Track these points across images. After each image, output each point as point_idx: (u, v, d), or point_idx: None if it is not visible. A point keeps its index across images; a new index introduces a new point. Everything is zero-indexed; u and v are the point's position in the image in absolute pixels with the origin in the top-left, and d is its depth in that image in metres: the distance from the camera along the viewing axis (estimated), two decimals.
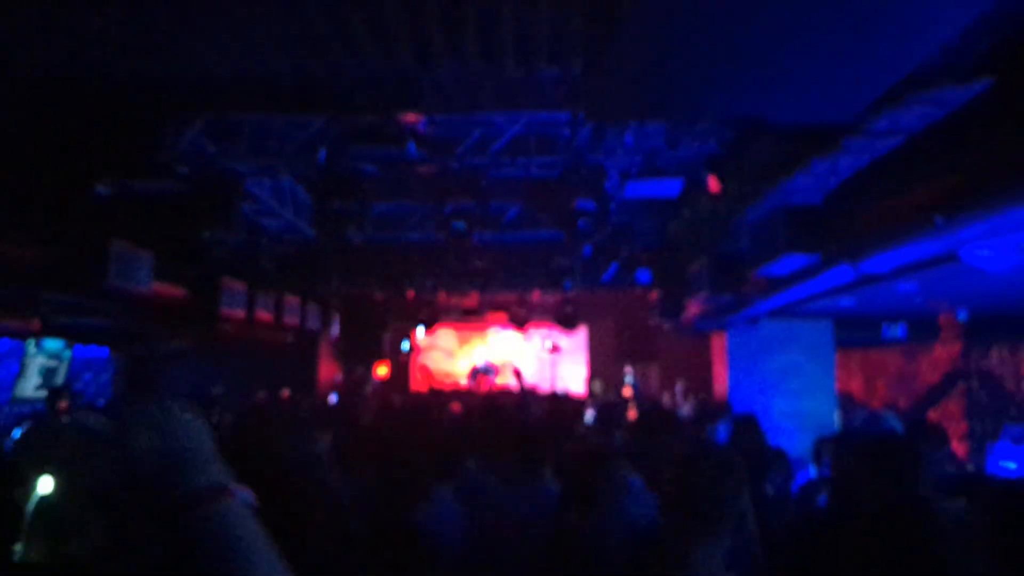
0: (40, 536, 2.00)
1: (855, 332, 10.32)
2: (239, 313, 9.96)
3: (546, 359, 17.88)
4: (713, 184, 6.85)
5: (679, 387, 11.47)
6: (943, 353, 10.65)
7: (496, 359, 18.24)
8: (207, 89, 5.12)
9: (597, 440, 5.83)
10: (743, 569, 2.41)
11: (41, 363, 10.97)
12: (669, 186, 6.74)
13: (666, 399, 11.28)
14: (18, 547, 2.25)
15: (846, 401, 10.50)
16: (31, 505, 2.50)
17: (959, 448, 10.12)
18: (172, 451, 1.27)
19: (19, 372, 10.55)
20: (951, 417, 10.36)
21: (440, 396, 12.66)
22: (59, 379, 11.16)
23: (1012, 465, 8.34)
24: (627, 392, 13.67)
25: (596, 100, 3.35)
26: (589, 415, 8.52)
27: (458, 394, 14.19)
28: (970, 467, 9.53)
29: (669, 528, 2.33)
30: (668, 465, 2.40)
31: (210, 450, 1.32)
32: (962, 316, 9.53)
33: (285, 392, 12.23)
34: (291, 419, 6.85)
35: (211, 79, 4.88)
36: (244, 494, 1.29)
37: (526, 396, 10.43)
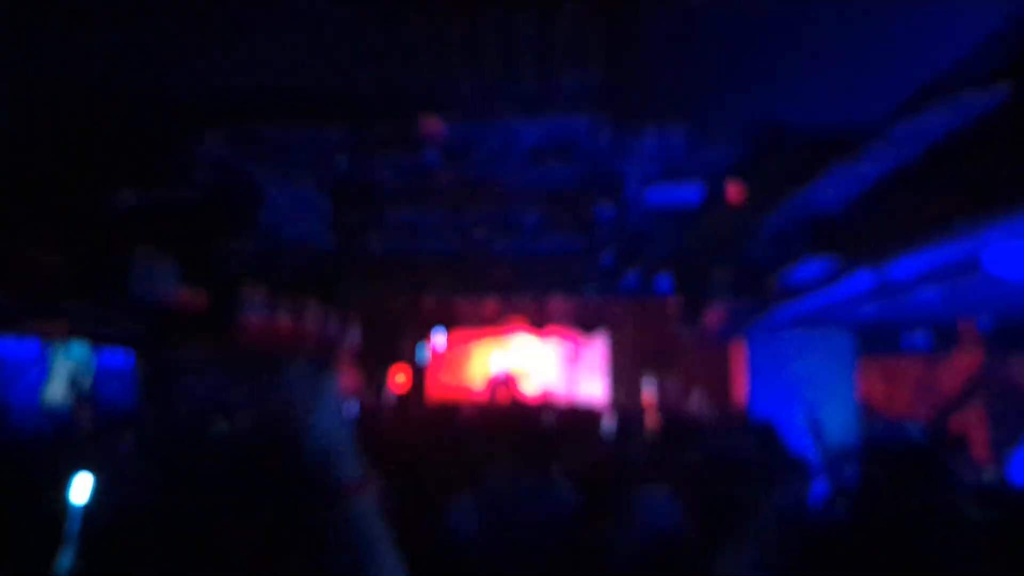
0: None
1: (876, 341, 10.24)
2: (258, 321, 10.03)
3: (564, 367, 17.84)
4: (734, 192, 6.82)
5: (698, 397, 11.42)
6: (964, 362, 10.54)
7: (514, 368, 18.23)
8: (227, 101, 5.15)
9: (615, 449, 5.81)
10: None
11: (65, 369, 11.08)
12: (689, 193, 6.72)
13: (691, 407, 11.23)
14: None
15: (866, 411, 10.40)
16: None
17: (980, 457, 10.00)
18: (334, 443, 1.33)
19: (45, 378, 10.66)
20: (972, 426, 10.24)
21: (456, 406, 12.67)
22: (85, 386, 11.27)
23: None
24: (648, 400, 13.63)
25: (615, 104, 3.35)
26: (608, 424, 8.48)
27: (474, 404, 14.21)
28: (989, 474, 9.41)
29: (693, 534, 2.32)
30: (692, 472, 2.39)
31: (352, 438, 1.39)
32: (983, 325, 9.42)
33: None
34: None
35: (231, 92, 4.91)
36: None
37: (518, 403, 10.43)
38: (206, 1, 3.62)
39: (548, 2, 3.69)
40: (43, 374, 10.76)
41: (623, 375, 16.73)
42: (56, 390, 10.80)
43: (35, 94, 5.07)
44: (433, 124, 5.43)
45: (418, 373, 17.84)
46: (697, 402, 11.35)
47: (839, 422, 9.43)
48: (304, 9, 3.65)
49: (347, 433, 1.38)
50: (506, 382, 16.58)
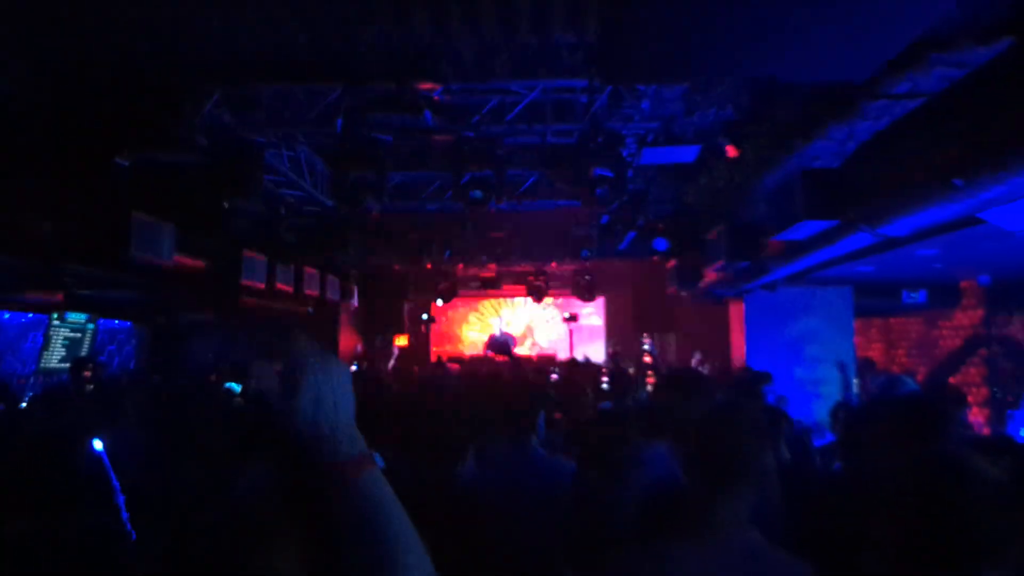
0: None
1: (875, 299, 10.28)
2: (259, 284, 10.06)
3: (564, 329, 17.94)
4: (730, 150, 6.82)
5: (696, 356, 11.51)
6: (964, 319, 10.59)
7: (514, 329, 18.35)
8: (224, 61, 5.15)
9: (613, 407, 5.88)
10: (766, 527, 2.44)
11: (65, 335, 11.13)
12: (686, 152, 6.72)
13: (693, 364, 11.31)
14: None
15: (866, 366, 10.48)
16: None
17: (979, 414, 10.10)
18: (333, 419, 1.29)
19: (43, 344, 10.71)
20: (972, 383, 10.32)
21: (456, 368, 12.77)
22: (83, 350, 11.33)
23: None
24: (647, 359, 13.73)
25: (611, 63, 3.34)
26: (606, 383, 8.58)
27: (475, 363, 14.31)
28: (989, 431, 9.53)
29: (692, 485, 2.36)
30: (691, 423, 2.43)
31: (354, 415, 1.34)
32: (984, 281, 9.46)
33: None
34: None
35: (228, 51, 4.90)
36: (378, 460, 1.33)
37: (518, 363, 10.51)
38: None
39: None
40: (39, 339, 10.81)
41: (622, 336, 16.84)
42: (54, 356, 10.87)
43: (36, 57, 5.06)
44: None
45: (420, 336, 17.95)
46: (695, 360, 11.43)
47: (837, 379, 9.51)
48: None
49: (350, 409, 1.34)
50: (505, 344, 16.68)
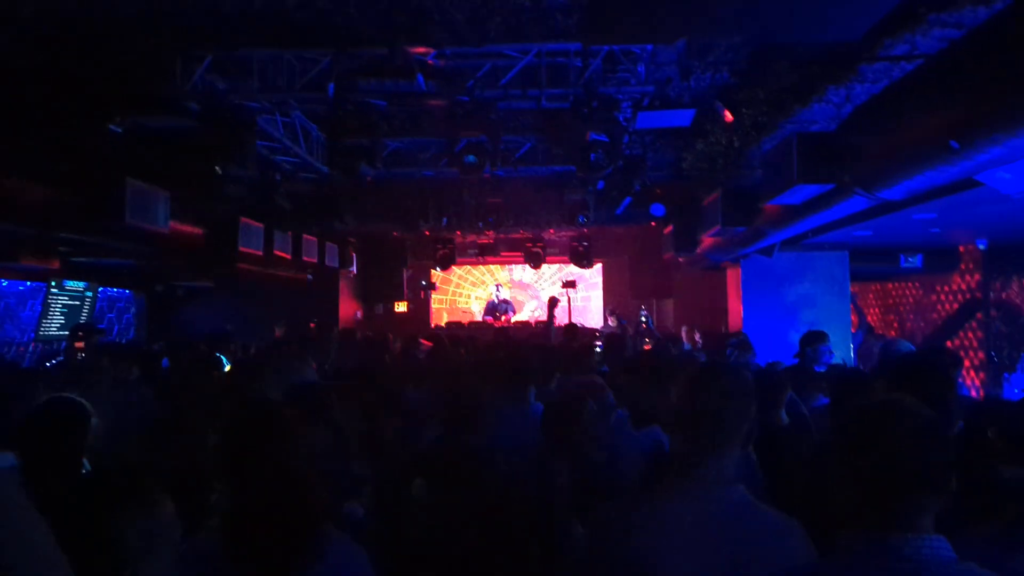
0: None
1: (872, 264, 10.28)
2: (257, 251, 10.07)
3: (560, 295, 17.98)
4: (726, 114, 6.78)
5: (685, 329, 11.56)
6: (961, 284, 10.60)
7: (511, 296, 18.38)
8: (213, 24, 5.09)
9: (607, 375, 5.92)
10: (751, 487, 2.47)
11: (63, 303, 11.14)
12: (682, 116, 6.68)
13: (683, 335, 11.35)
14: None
15: (864, 330, 10.52)
16: None
17: (976, 378, 10.16)
18: None
19: (42, 312, 10.73)
20: (968, 347, 10.36)
21: (458, 331, 12.82)
22: (82, 318, 11.35)
23: None
24: (642, 326, 13.77)
25: (606, 22, 3.31)
26: (601, 349, 8.61)
27: (475, 328, 14.36)
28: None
29: (681, 443, 2.39)
30: (678, 383, 2.45)
31: None
32: (981, 245, 9.45)
33: (312, 324, 12.37)
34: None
35: (217, 14, 4.85)
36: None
37: (549, 325, 10.55)
38: None
39: None
40: (38, 307, 10.82)
41: (619, 302, 16.86)
42: (53, 324, 10.89)
43: (22, 21, 5.01)
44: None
45: (419, 302, 17.98)
46: (684, 334, 11.47)
47: (834, 343, 9.55)
48: None
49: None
50: (503, 310, 16.72)
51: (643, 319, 13.59)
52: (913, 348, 5.98)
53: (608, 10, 2.98)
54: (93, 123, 6.24)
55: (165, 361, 6.91)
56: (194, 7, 4.72)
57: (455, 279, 19.16)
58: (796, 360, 6.21)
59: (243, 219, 9.57)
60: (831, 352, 6.33)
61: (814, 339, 6.17)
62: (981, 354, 10.09)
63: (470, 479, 2.74)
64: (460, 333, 11.35)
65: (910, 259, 10.02)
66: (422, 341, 7.85)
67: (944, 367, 3.35)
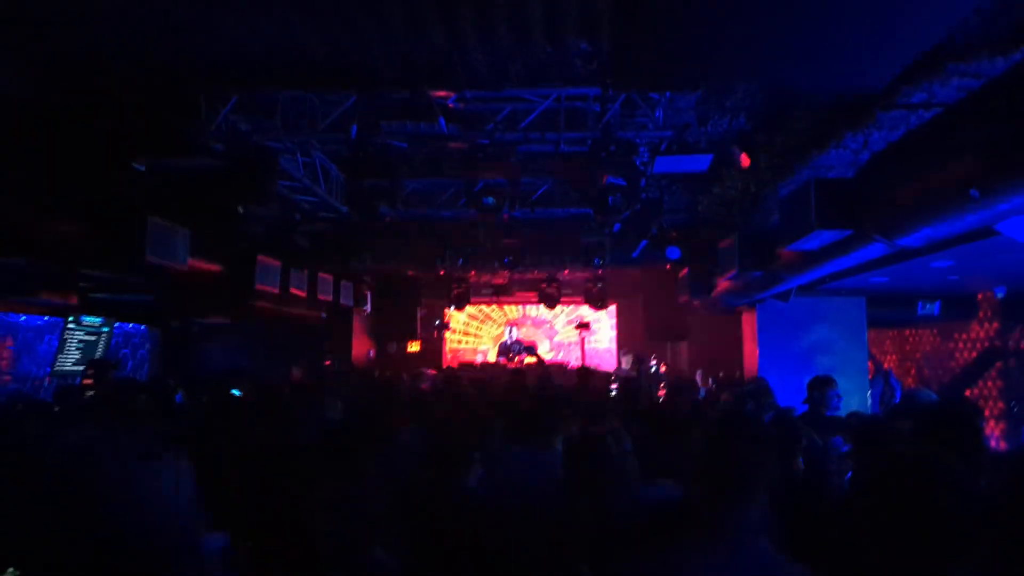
0: None
1: (889, 310, 10.22)
2: (273, 289, 10.12)
3: (575, 336, 17.96)
4: (744, 159, 6.81)
5: (699, 373, 11.50)
6: (980, 332, 10.50)
7: (525, 337, 18.36)
8: (242, 67, 5.19)
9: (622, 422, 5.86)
10: (774, 537, 2.43)
11: (80, 338, 11.21)
12: (699, 161, 6.71)
13: (698, 376, 11.30)
14: None
15: (882, 377, 10.41)
16: None
17: (995, 428, 10.01)
18: None
19: (58, 347, 10.79)
20: (987, 397, 10.23)
21: (471, 372, 12.79)
22: (98, 353, 11.41)
23: None
24: (656, 369, 13.70)
25: (626, 69, 3.36)
26: (614, 393, 8.57)
27: (487, 369, 14.32)
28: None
29: (700, 492, 2.36)
30: (698, 432, 2.43)
31: None
32: (1000, 293, 9.38)
33: (327, 361, 12.42)
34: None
35: (245, 57, 4.95)
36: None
37: (547, 370, 10.51)
38: None
39: None
40: (54, 342, 10.89)
41: (632, 344, 16.80)
42: (69, 359, 10.95)
43: (51, 60, 5.12)
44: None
45: (433, 342, 17.97)
46: (699, 378, 11.41)
47: (851, 390, 9.46)
48: None
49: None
50: (517, 351, 16.67)
51: (652, 368, 13.53)
52: (935, 398, 5.92)
53: (631, 58, 3.02)
54: (117, 161, 6.35)
55: (179, 396, 6.91)
56: (223, 49, 4.81)
57: (465, 317, 19.16)
58: (806, 406, 6.15)
59: (260, 256, 9.63)
60: (839, 396, 6.26)
61: (822, 384, 6.11)
62: (1001, 403, 9.96)
63: (455, 521, 2.71)
64: (473, 375, 11.33)
65: (928, 306, 9.95)
66: (425, 371, 7.84)
67: (973, 419, 3.30)
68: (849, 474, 4.25)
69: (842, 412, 6.24)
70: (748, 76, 4.24)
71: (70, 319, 10.76)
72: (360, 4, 4.12)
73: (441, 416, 4.55)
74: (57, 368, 10.81)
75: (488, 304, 18.48)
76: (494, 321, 19.22)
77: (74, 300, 8.63)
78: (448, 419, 4.24)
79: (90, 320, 11.16)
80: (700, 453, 2.46)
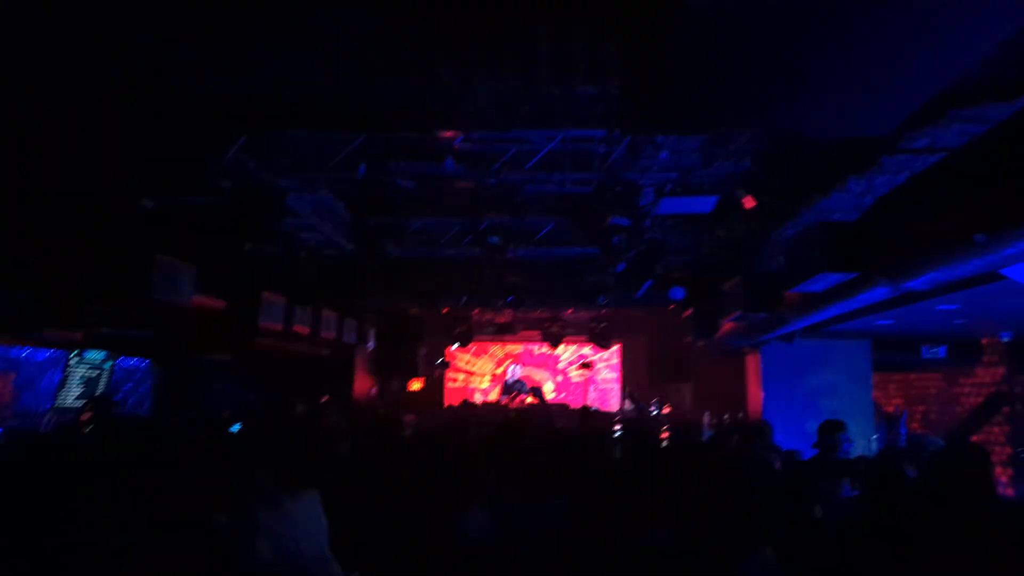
0: None
1: (894, 353, 10.18)
2: (277, 326, 10.11)
3: (578, 377, 17.89)
4: (748, 202, 6.84)
5: (707, 416, 11.44)
6: (986, 376, 10.45)
7: (528, 376, 18.27)
8: (253, 107, 5.24)
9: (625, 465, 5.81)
10: None
11: (82, 373, 11.18)
12: (704, 203, 6.75)
13: (703, 418, 11.23)
14: None
15: (888, 421, 10.33)
16: None
17: (1002, 474, 9.90)
18: (294, 558, 1.26)
19: (60, 382, 10.77)
20: (994, 442, 10.14)
21: (472, 411, 12.73)
22: (99, 389, 11.37)
23: None
24: (661, 410, 13.61)
25: (634, 115, 3.39)
26: (618, 435, 8.49)
27: (489, 409, 14.24)
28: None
29: (709, 537, 2.33)
30: (706, 475, 2.41)
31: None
32: (1005, 337, 9.35)
33: (324, 397, 12.38)
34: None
35: (255, 97, 5.00)
36: None
37: (550, 411, 10.44)
38: (239, 8, 3.69)
39: (566, 15, 3.74)
40: (57, 376, 10.86)
41: (636, 386, 16.72)
42: (70, 394, 10.91)
43: (60, 99, 5.17)
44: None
45: (435, 380, 17.90)
46: (706, 421, 11.34)
47: (857, 434, 9.37)
48: (335, 18, 3.71)
49: (318, 540, 1.30)
50: (520, 391, 16.58)
51: (652, 411, 13.44)
52: (942, 443, 5.87)
53: (638, 104, 3.05)
54: (126, 198, 6.38)
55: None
56: (235, 90, 4.87)
57: (471, 357, 19.11)
58: (816, 450, 6.09)
59: (265, 294, 9.64)
60: (850, 441, 6.20)
61: (832, 428, 6.07)
62: (1008, 449, 9.87)
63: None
64: (473, 414, 11.27)
65: (933, 350, 9.92)
66: (404, 418, 7.82)
67: (982, 463, 3.26)
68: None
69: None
70: (756, 123, 4.28)
71: (73, 354, 10.74)
72: (375, 50, 4.17)
73: (448, 459, 4.52)
74: (59, 403, 10.77)
75: (491, 343, 18.44)
76: (490, 355, 19.16)
77: (79, 336, 8.62)
78: (451, 463, 4.20)
79: (92, 355, 11.14)
80: (707, 498, 2.44)
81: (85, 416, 6.94)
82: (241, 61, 4.50)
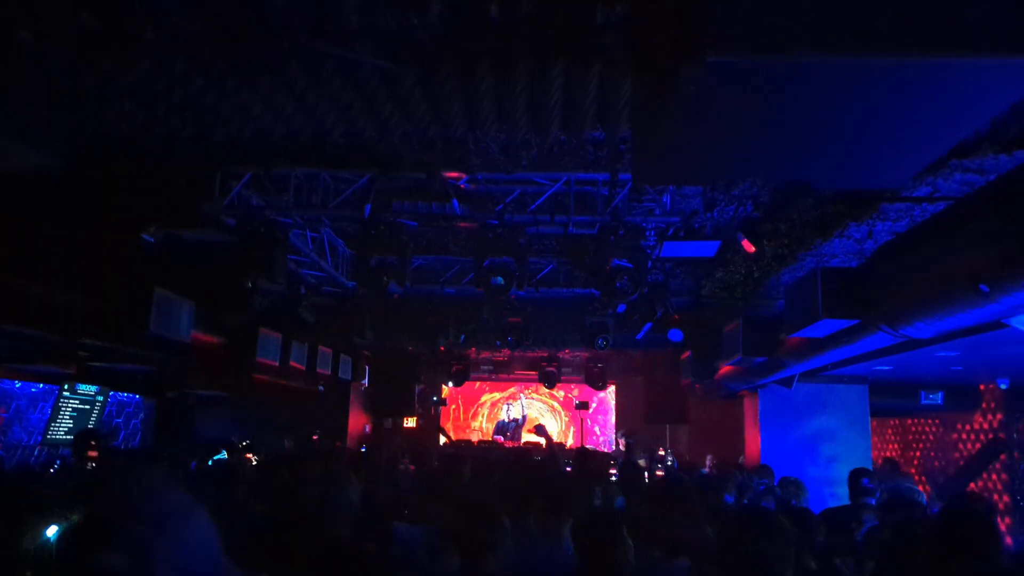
0: None
1: (892, 399, 10.17)
2: (273, 363, 10.07)
3: (574, 418, 17.81)
4: (748, 246, 6.87)
5: (709, 459, 11.39)
6: (983, 423, 10.43)
7: (523, 414, 18.19)
8: (261, 146, 5.27)
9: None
10: None
11: (74, 406, 11.06)
12: (706, 247, 6.78)
13: (701, 462, 11.18)
14: None
15: (888, 469, 10.27)
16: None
17: (1001, 523, 9.84)
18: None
19: (51, 415, 10.65)
20: (993, 490, 10.10)
21: (470, 450, 12.63)
22: (91, 422, 11.24)
23: None
24: (656, 454, 13.52)
25: (645, 167, 3.41)
26: (614, 477, 8.43)
27: (486, 448, 14.15)
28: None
29: None
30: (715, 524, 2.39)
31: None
32: (1003, 384, 9.35)
33: (315, 436, 12.30)
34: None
35: (265, 137, 5.03)
36: None
37: (553, 452, 10.35)
38: (251, 49, 3.72)
39: (578, 63, 3.78)
40: (49, 411, 10.74)
41: (632, 428, 16.63)
42: (61, 428, 10.77)
43: (65, 133, 5.19)
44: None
45: (430, 418, 17.79)
46: (708, 459, 11.29)
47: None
48: (348, 63, 3.75)
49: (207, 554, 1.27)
50: (515, 431, 16.49)
51: (641, 460, 13.30)
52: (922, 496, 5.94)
53: (645, 156, 3.07)
54: (127, 233, 6.38)
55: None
56: (243, 129, 4.89)
57: (467, 398, 19.02)
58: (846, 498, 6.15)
59: (262, 330, 9.61)
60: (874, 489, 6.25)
61: (863, 475, 6.11)
62: (1007, 497, 9.82)
63: None
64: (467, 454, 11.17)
65: (931, 396, 9.91)
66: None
67: (987, 520, 3.24)
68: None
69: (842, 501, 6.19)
70: (769, 177, 4.32)
71: (65, 387, 10.63)
72: (387, 95, 4.21)
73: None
74: (49, 437, 10.64)
75: (487, 382, 18.37)
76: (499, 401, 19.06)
77: (73, 369, 8.55)
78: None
79: (85, 388, 11.03)
80: (721, 547, 2.41)
81: (92, 453, 6.83)
82: (260, 106, 4.54)
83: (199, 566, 1.30)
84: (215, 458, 8.01)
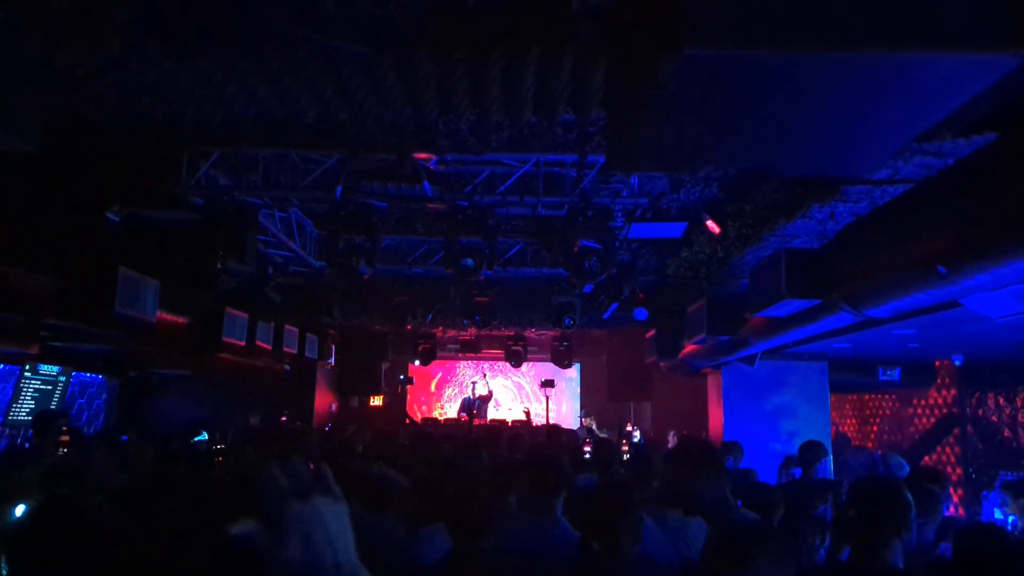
0: None
1: (851, 375, 10.41)
2: (239, 342, 10.03)
3: (539, 395, 17.94)
4: (714, 227, 6.98)
5: (672, 435, 11.58)
6: (938, 398, 10.74)
7: (490, 394, 18.26)
8: (230, 127, 5.22)
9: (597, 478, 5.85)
10: None
11: (36, 387, 10.90)
12: (674, 228, 6.87)
13: (671, 440, 11.36)
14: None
15: (842, 443, 10.56)
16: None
17: (954, 495, 10.18)
18: (330, 562, 1.25)
19: (12, 396, 10.48)
20: (947, 463, 10.42)
21: (437, 428, 12.70)
22: (53, 403, 11.09)
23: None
24: (621, 429, 13.71)
25: (619, 155, 3.47)
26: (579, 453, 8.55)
27: (452, 426, 14.22)
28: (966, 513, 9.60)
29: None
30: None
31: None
32: (957, 361, 9.64)
33: (283, 418, 12.28)
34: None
35: (235, 117, 4.98)
36: None
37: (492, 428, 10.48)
38: (224, 31, 3.69)
39: (553, 50, 3.81)
40: (8, 391, 10.57)
41: (597, 404, 16.84)
42: (23, 409, 10.61)
43: (29, 113, 5.10)
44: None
45: (396, 396, 17.82)
46: (671, 435, 11.48)
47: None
48: (323, 47, 3.74)
49: (347, 545, 1.25)
50: (481, 407, 16.58)
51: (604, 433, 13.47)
52: (905, 464, 6.09)
53: (622, 145, 3.12)
54: (91, 212, 6.28)
55: None
56: (213, 109, 4.85)
57: (434, 376, 19.06)
58: (798, 471, 6.27)
59: (229, 310, 9.55)
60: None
61: (817, 449, 6.27)
62: (960, 470, 10.15)
63: None
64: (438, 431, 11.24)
65: (888, 372, 10.17)
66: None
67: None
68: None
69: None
70: (741, 164, 4.40)
71: (27, 368, 10.47)
72: (362, 79, 4.20)
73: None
74: (10, 418, 10.48)
75: (454, 360, 18.43)
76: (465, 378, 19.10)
77: (35, 350, 8.43)
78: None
79: (47, 369, 10.86)
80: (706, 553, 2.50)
81: (65, 439, 6.68)
82: (231, 88, 4.49)
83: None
84: (195, 440, 7.97)
